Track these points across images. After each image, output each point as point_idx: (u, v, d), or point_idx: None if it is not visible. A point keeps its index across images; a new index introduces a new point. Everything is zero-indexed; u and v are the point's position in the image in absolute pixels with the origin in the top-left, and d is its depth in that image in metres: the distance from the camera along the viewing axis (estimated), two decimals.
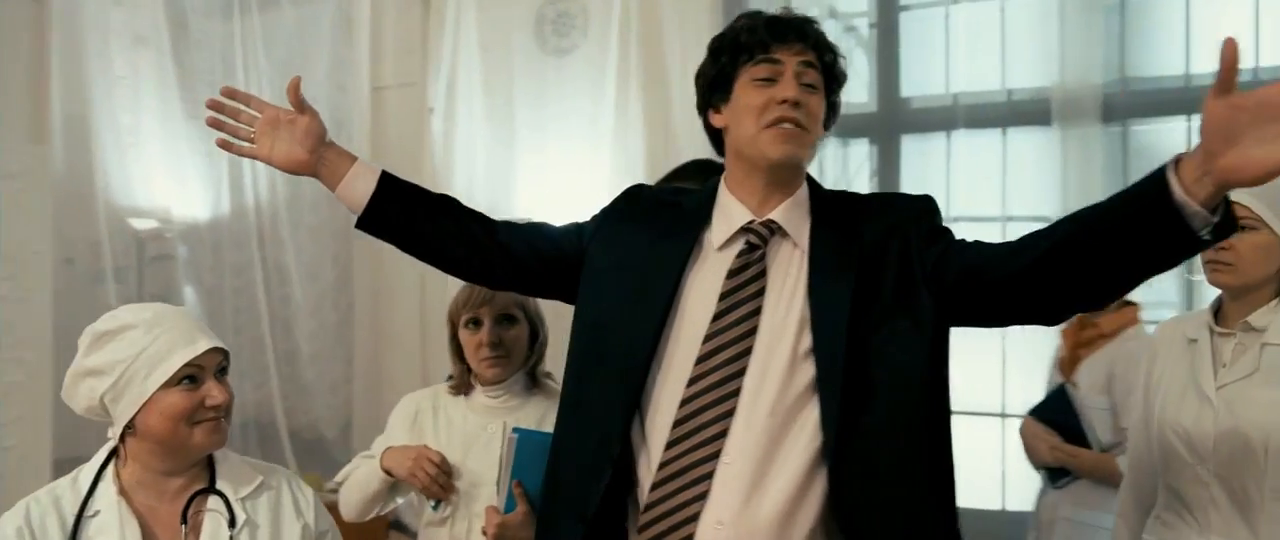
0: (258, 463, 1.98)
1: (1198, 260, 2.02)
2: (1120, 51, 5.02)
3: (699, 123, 6.31)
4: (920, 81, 5.57)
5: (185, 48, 6.87)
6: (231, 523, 1.78)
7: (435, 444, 2.61)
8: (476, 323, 2.63)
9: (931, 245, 1.73)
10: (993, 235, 5.83)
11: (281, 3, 7.17)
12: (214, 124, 1.96)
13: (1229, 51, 1.34)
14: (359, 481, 2.58)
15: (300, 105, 1.92)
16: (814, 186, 1.90)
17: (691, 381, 1.72)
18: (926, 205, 1.81)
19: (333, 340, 7.09)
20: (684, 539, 1.64)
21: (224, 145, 1.98)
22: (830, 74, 1.91)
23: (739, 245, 1.83)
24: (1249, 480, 1.89)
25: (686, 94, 5.93)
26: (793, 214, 1.84)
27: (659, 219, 1.90)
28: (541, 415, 2.62)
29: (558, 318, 2.72)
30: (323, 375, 7.02)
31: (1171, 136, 4.79)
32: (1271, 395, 1.89)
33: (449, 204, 2.01)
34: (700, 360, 1.72)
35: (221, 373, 1.83)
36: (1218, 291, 2.06)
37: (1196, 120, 1.52)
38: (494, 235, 1.97)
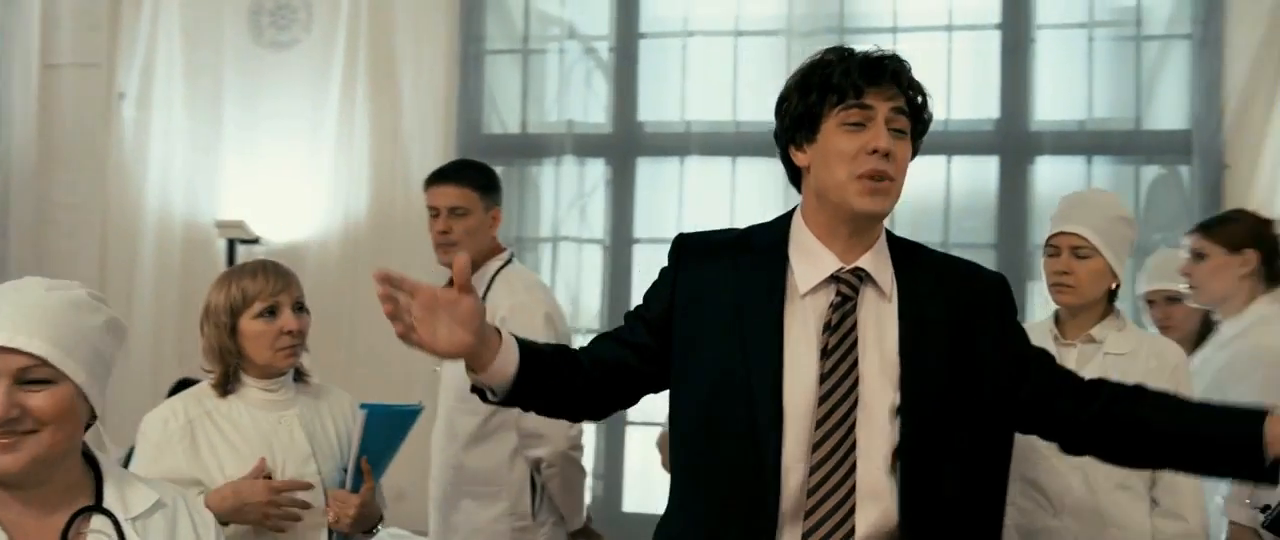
0: (151, 480, 1.72)
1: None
2: None
3: (432, 127, 6.16)
4: (656, 107, 5.80)
5: None
6: None
7: (230, 453, 2.39)
8: (272, 312, 2.44)
9: (1012, 339, 1.77)
10: None
11: None
12: (392, 314, 1.64)
13: None
14: None
15: (465, 287, 1.66)
16: (888, 233, 1.87)
17: (816, 446, 1.67)
18: (1007, 289, 1.82)
19: None
20: None
21: (404, 336, 1.64)
22: (918, 118, 1.83)
23: (829, 294, 1.78)
24: (1098, 472, 2.21)
25: (419, 97, 5.93)
26: (878, 262, 1.80)
27: (737, 264, 1.82)
28: (316, 400, 2.50)
29: None
30: None
31: None
32: None
33: (562, 366, 1.83)
34: (819, 424, 1.67)
35: (25, 383, 1.48)
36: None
37: None
38: (591, 380, 1.83)
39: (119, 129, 6.19)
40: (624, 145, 5.76)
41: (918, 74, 1.88)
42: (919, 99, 1.81)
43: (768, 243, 1.82)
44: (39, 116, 6.28)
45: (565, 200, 5.80)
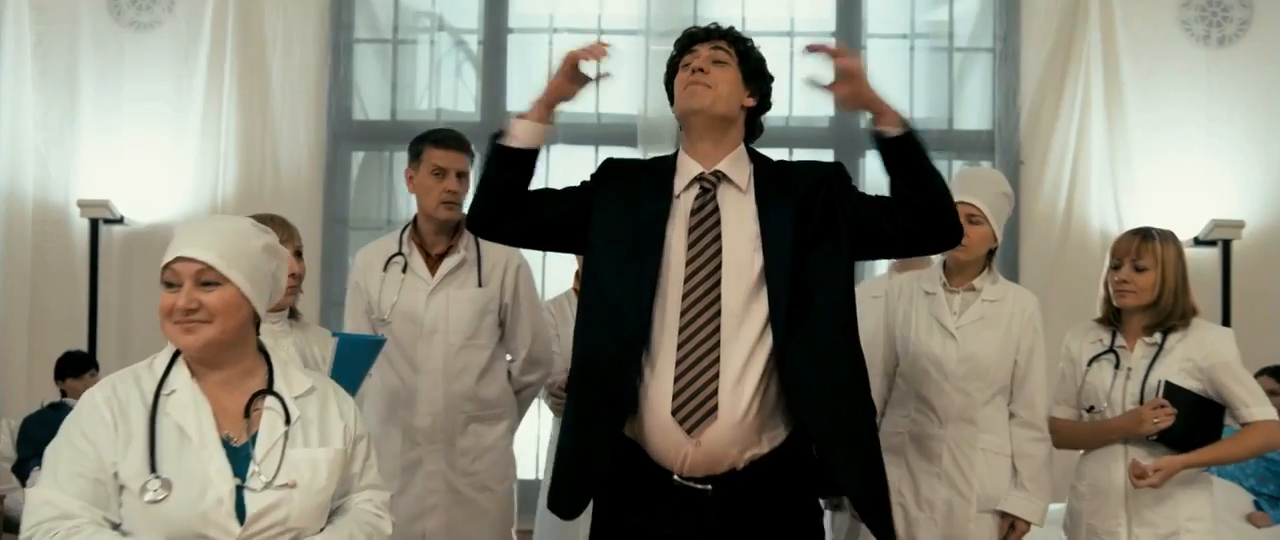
0: (309, 371, 2.19)
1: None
2: None
3: (302, 112, 6.22)
4: (524, 98, 6.11)
5: None
6: (287, 420, 1.94)
7: None
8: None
9: (848, 196, 2.29)
10: None
11: None
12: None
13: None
14: None
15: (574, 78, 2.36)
16: (754, 154, 2.34)
17: (688, 318, 2.12)
18: (843, 169, 2.32)
19: None
20: (706, 414, 2.07)
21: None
22: (745, 58, 2.32)
23: (695, 192, 2.26)
24: (974, 389, 2.74)
25: (289, 82, 6.08)
26: (735, 166, 2.28)
27: (638, 179, 2.28)
28: (304, 332, 2.73)
29: None
30: None
31: None
32: (991, 333, 2.74)
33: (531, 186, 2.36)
34: (688, 289, 2.14)
35: (207, 284, 1.90)
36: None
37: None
38: (539, 206, 2.24)
39: None
40: (492, 133, 6.07)
41: None
42: (740, 42, 2.34)
43: (662, 165, 2.35)
44: None
45: None
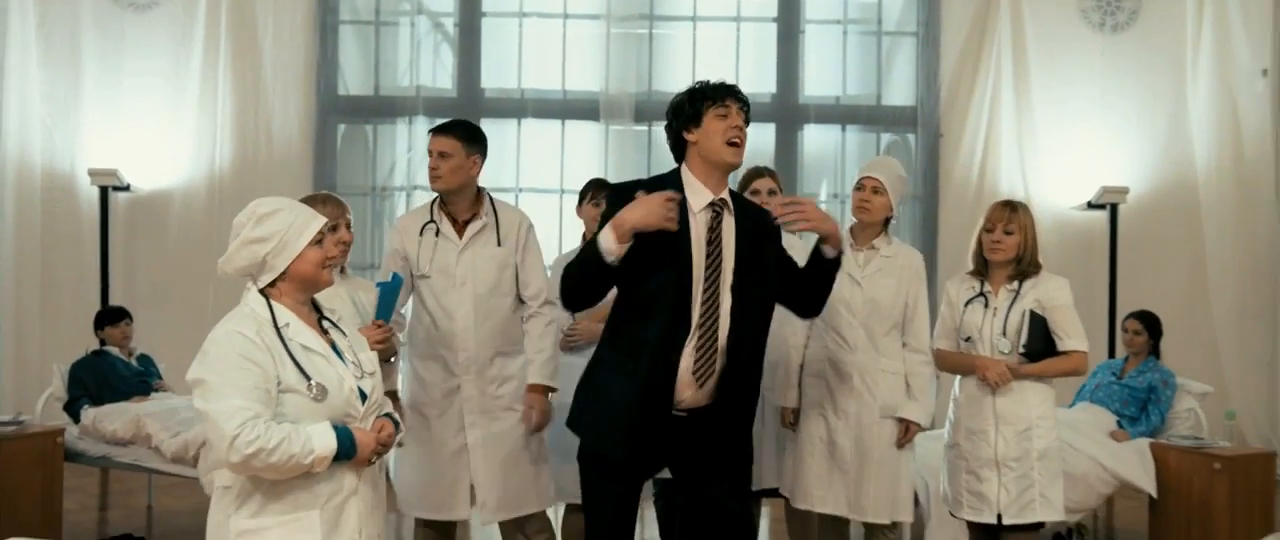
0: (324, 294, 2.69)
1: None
2: (649, 70, 6.69)
3: (292, 88, 6.70)
4: (497, 76, 6.75)
5: None
6: (340, 332, 2.51)
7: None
8: (334, 228, 3.16)
9: (777, 247, 2.95)
10: (553, 205, 7.02)
11: None
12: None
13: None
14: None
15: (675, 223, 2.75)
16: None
17: (705, 301, 2.78)
18: (776, 224, 2.90)
19: None
20: (707, 376, 2.76)
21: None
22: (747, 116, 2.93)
23: (708, 213, 2.85)
24: (875, 324, 3.43)
25: (280, 61, 6.72)
26: (726, 196, 2.91)
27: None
28: (352, 284, 3.33)
29: None
30: None
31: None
32: (887, 281, 3.40)
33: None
34: (706, 286, 2.79)
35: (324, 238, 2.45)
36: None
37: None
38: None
39: None
40: (468, 108, 6.62)
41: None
42: (748, 107, 2.95)
43: (674, 186, 2.89)
44: None
45: (418, 154, 6.64)
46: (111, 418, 4.59)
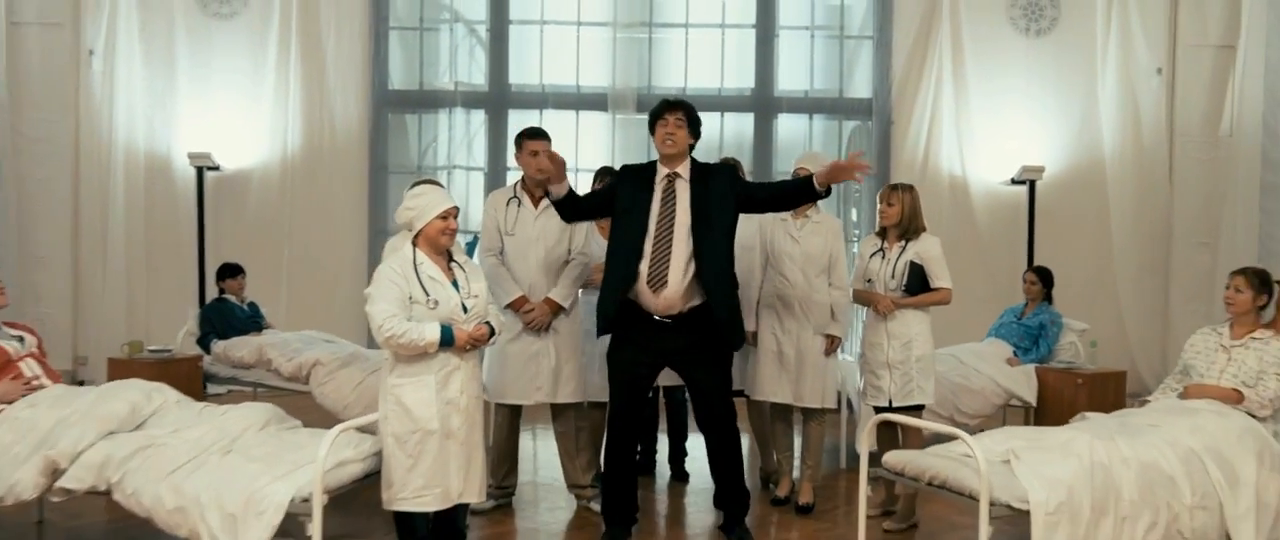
0: (454, 245, 3.80)
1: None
2: (649, 68, 7.96)
3: (351, 84, 8.21)
4: (522, 73, 8.02)
5: None
6: (459, 271, 3.69)
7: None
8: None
9: (736, 181, 4.17)
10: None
11: None
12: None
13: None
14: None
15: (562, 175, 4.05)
16: (694, 160, 4.23)
17: (656, 241, 4.04)
18: (735, 166, 4.25)
19: None
20: (661, 283, 3.98)
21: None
22: (692, 119, 4.14)
23: (665, 183, 4.10)
24: (809, 268, 4.70)
25: (340, 61, 8.24)
26: (684, 169, 4.11)
27: (636, 174, 4.17)
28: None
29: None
30: None
31: None
32: (816, 239, 4.57)
33: (577, 195, 4.13)
34: (657, 237, 4.03)
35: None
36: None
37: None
38: (592, 205, 4.23)
39: (88, 79, 7.67)
40: (498, 100, 7.92)
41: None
42: (689, 111, 4.17)
43: (648, 169, 4.19)
44: (6, 66, 7.62)
45: (456, 139, 7.93)
46: (237, 347, 5.86)
